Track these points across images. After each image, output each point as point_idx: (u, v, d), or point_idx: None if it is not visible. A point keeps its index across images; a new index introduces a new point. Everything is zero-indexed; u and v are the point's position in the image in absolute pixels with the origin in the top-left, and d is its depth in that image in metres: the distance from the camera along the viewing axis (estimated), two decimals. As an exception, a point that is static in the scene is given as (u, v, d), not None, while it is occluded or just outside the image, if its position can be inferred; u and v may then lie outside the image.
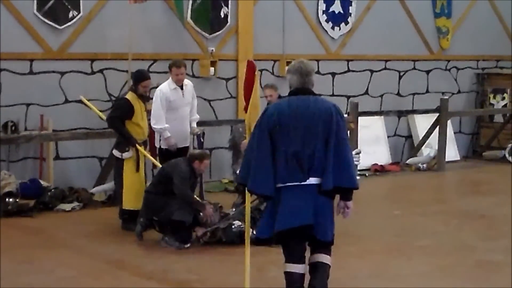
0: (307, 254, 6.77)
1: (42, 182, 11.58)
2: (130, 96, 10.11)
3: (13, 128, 11.69)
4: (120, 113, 10.05)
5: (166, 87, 10.69)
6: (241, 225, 9.03)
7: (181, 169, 9.36)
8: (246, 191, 6.87)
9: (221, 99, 13.86)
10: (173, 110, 10.68)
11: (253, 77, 7.19)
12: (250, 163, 6.41)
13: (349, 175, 6.35)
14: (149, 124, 10.55)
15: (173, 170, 9.36)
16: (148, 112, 10.49)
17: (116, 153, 10.15)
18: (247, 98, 7.28)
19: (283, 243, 6.60)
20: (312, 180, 6.34)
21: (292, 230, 6.35)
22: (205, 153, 9.80)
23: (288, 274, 6.58)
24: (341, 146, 6.33)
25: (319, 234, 6.38)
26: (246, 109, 7.33)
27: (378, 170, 14.96)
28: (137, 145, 10.10)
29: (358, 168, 14.37)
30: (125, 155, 10.05)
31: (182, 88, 10.74)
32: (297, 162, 6.30)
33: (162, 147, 10.88)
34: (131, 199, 10.05)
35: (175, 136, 10.68)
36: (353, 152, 13.99)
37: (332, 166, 6.26)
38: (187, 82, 10.93)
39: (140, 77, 10.23)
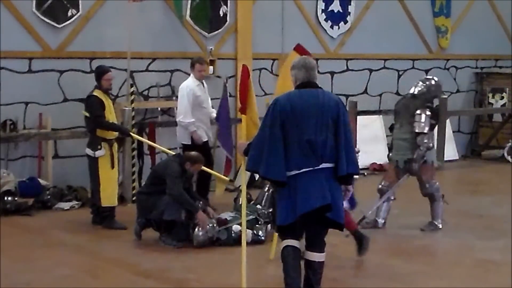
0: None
1: (40, 180, 11.58)
2: (96, 92, 10.18)
3: (12, 126, 11.69)
4: (99, 109, 10.09)
5: (191, 82, 10.97)
6: (241, 229, 8.98)
7: (172, 169, 9.35)
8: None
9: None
10: (199, 105, 11.02)
11: (248, 81, 7.53)
12: (262, 151, 6.65)
13: (354, 162, 6.77)
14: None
15: (165, 171, 9.36)
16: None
17: (89, 151, 10.18)
18: (243, 100, 7.54)
19: (301, 227, 6.84)
20: (324, 165, 6.66)
21: (314, 213, 6.62)
22: (199, 157, 9.75)
23: (288, 247, 6.80)
24: (348, 136, 6.75)
25: (334, 214, 6.68)
26: (242, 110, 7.54)
27: (376, 169, 14.95)
28: (131, 133, 10.70)
29: (357, 167, 14.40)
30: (98, 153, 10.09)
31: (203, 85, 11.01)
32: (311, 149, 6.62)
33: (184, 142, 11.09)
34: (109, 196, 10.16)
35: (203, 130, 11.04)
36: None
37: (344, 155, 6.65)
38: (204, 81, 11.30)
39: (101, 72, 10.33)
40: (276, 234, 8.50)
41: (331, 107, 6.70)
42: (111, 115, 10.22)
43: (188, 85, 10.98)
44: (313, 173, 6.62)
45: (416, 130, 9.91)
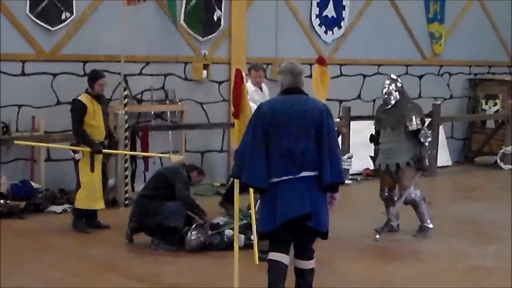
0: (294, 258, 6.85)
1: (33, 183, 11.54)
2: (83, 97, 10.17)
3: (5, 129, 11.67)
4: (78, 115, 10.09)
5: (249, 87, 10.94)
6: (233, 234, 8.97)
7: (183, 175, 9.39)
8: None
9: (214, 102, 13.85)
10: None
11: (242, 85, 7.55)
12: (245, 158, 6.59)
13: (339, 171, 6.60)
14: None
15: (175, 176, 9.36)
16: (104, 113, 10.39)
17: (71, 153, 10.21)
18: (236, 105, 7.48)
19: (282, 236, 6.71)
20: (306, 173, 6.55)
21: (294, 222, 6.53)
22: (204, 170, 9.97)
23: (272, 262, 6.71)
24: (332, 144, 6.60)
25: (315, 223, 6.56)
26: (235, 115, 7.54)
27: (369, 174, 14.94)
28: (103, 150, 10.23)
29: (350, 172, 14.40)
30: (77, 156, 10.11)
31: (261, 90, 11.00)
32: (290, 157, 6.52)
33: None
34: (83, 198, 10.12)
35: None
36: (345, 157, 14.08)
37: (328, 163, 6.51)
38: (264, 86, 11.31)
39: (95, 76, 10.29)
40: (257, 239, 8.51)
41: (314, 114, 6.57)
42: (94, 120, 10.15)
43: (248, 90, 11.00)
44: (293, 181, 6.53)
45: (414, 128, 9.92)
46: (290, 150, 6.50)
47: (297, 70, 6.75)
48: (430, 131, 10.22)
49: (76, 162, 10.15)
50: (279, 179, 6.54)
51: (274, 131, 6.53)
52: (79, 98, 10.17)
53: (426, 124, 10.19)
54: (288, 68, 6.75)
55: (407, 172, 9.99)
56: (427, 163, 10.00)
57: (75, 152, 10.11)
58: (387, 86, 10.15)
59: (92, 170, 10.12)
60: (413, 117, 9.93)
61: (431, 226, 10.13)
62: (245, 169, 6.57)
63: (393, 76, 10.37)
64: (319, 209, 6.56)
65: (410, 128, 9.92)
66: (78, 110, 10.09)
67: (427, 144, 9.96)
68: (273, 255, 6.70)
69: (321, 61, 9.59)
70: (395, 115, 10.03)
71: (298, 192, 6.50)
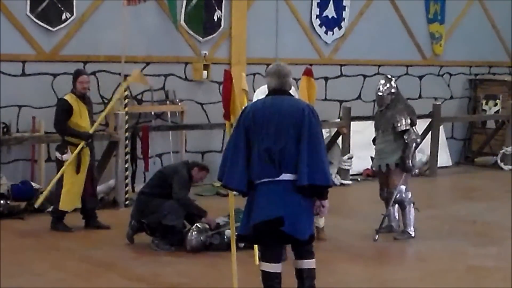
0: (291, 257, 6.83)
1: (33, 184, 11.55)
2: (68, 96, 10.16)
3: (5, 129, 11.67)
4: (62, 115, 10.07)
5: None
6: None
7: (181, 174, 9.38)
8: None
9: (214, 103, 13.84)
10: None
11: (231, 86, 7.48)
12: (226, 160, 6.60)
13: (322, 172, 6.42)
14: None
15: (173, 175, 9.36)
16: (89, 113, 10.36)
17: (57, 154, 10.21)
18: (226, 106, 7.52)
19: (260, 240, 6.69)
20: (285, 176, 6.45)
21: (266, 226, 6.44)
22: (206, 166, 9.90)
23: (263, 273, 6.68)
24: (314, 144, 6.43)
25: (291, 230, 6.43)
26: (226, 117, 7.57)
27: (370, 174, 14.93)
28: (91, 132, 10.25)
29: (350, 172, 14.40)
30: (65, 157, 10.09)
31: None
32: (269, 158, 6.44)
33: None
34: (68, 201, 10.14)
35: None
36: (345, 157, 14.08)
37: (306, 164, 6.36)
38: None
39: (77, 74, 10.28)
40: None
41: (294, 113, 6.47)
42: (81, 120, 10.13)
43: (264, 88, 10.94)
44: (272, 184, 6.43)
45: (401, 129, 9.89)
46: (269, 150, 6.42)
47: (283, 72, 6.71)
48: (419, 138, 10.16)
49: (61, 163, 10.15)
50: (259, 181, 6.49)
51: (255, 132, 6.49)
52: (64, 97, 10.18)
53: (416, 126, 10.12)
54: (274, 70, 6.73)
55: (396, 173, 9.98)
56: (410, 164, 9.92)
57: (63, 153, 10.10)
58: (381, 86, 10.12)
59: (78, 171, 10.11)
60: (402, 118, 9.90)
61: (413, 234, 9.97)
62: (226, 172, 6.56)
63: (389, 76, 10.34)
64: (297, 214, 6.43)
65: (398, 129, 9.91)
66: (63, 109, 10.07)
67: (413, 145, 9.91)
68: (264, 266, 6.66)
69: (308, 72, 9.56)
70: (386, 116, 10.03)
71: (274, 195, 6.42)
